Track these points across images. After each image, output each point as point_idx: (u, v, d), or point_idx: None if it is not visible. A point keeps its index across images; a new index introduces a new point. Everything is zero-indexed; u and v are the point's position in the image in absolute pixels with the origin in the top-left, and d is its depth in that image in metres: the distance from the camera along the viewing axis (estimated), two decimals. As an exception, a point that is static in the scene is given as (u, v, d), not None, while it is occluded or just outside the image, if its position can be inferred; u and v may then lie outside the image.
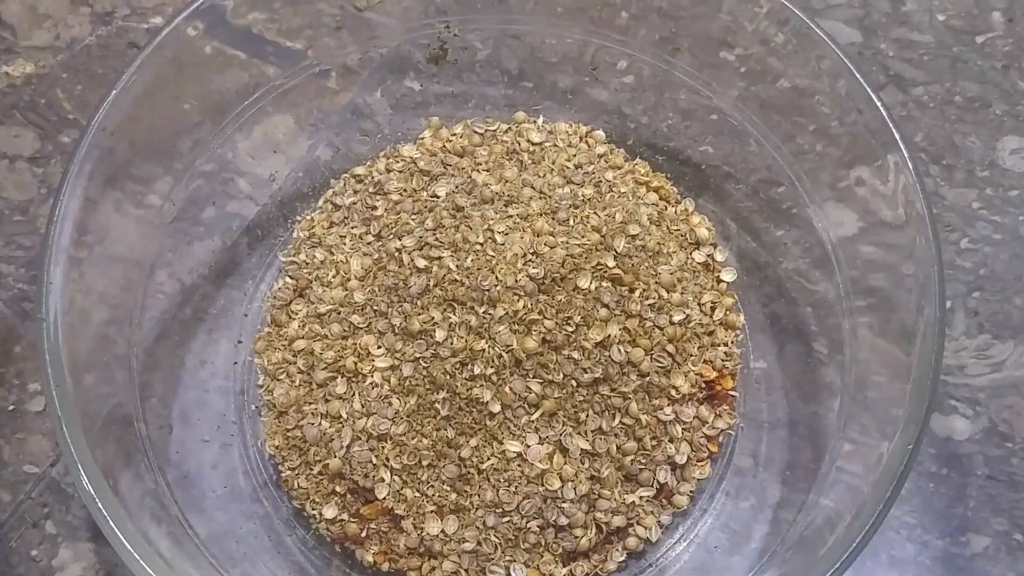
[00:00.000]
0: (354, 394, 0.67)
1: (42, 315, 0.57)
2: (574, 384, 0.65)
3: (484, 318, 0.65)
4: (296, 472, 0.68)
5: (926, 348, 0.58)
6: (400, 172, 0.76)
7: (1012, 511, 0.70)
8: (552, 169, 0.74)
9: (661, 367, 0.67)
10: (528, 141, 0.77)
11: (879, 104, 0.65)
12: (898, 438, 0.55)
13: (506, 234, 0.68)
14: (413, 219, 0.72)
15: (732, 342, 0.72)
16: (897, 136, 0.64)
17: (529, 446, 0.65)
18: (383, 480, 0.65)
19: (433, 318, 0.66)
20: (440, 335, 0.65)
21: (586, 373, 0.65)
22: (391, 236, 0.71)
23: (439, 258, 0.67)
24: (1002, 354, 0.75)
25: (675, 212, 0.76)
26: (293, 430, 0.68)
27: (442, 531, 0.65)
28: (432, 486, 0.65)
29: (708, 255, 0.74)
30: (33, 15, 0.88)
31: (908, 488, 0.70)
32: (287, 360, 0.70)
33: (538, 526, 0.65)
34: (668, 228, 0.74)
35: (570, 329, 0.65)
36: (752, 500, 0.68)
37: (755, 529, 0.67)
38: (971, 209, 0.80)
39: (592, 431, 0.65)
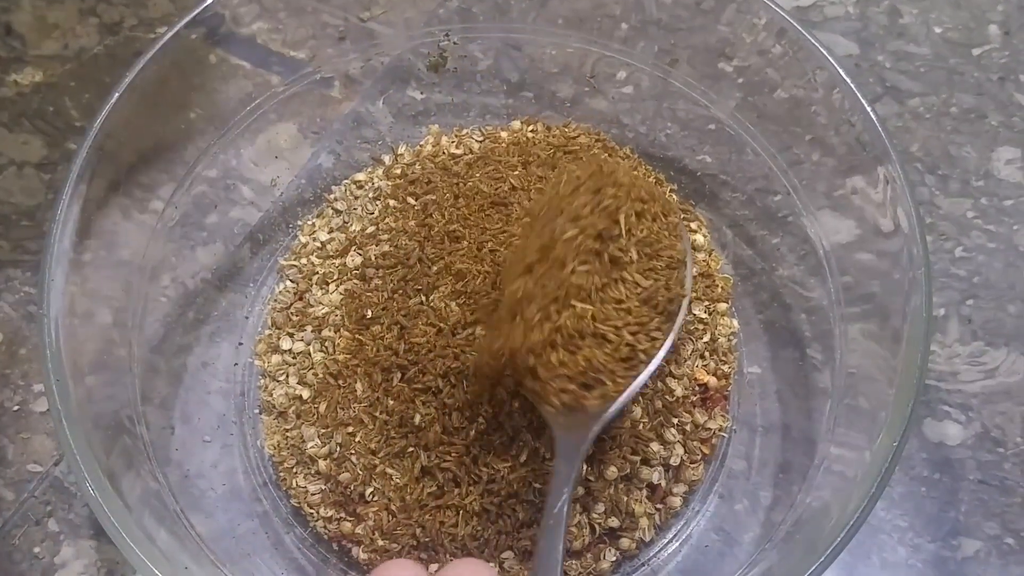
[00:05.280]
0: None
1: (43, 311, 0.58)
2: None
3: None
4: (294, 471, 0.68)
5: (912, 347, 0.58)
6: (400, 178, 0.77)
7: (1003, 515, 0.70)
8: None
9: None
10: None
11: (873, 115, 0.66)
12: (883, 435, 0.55)
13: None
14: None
15: (727, 347, 0.73)
16: (889, 146, 0.65)
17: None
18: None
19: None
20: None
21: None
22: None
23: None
24: (995, 361, 0.75)
25: (670, 219, 0.77)
26: (291, 430, 0.69)
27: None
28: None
29: (703, 261, 0.75)
30: (42, 25, 0.89)
31: (900, 492, 0.71)
32: (287, 362, 0.71)
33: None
34: (663, 234, 0.74)
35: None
36: (745, 502, 0.69)
37: (747, 530, 0.68)
38: (966, 218, 0.81)
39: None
